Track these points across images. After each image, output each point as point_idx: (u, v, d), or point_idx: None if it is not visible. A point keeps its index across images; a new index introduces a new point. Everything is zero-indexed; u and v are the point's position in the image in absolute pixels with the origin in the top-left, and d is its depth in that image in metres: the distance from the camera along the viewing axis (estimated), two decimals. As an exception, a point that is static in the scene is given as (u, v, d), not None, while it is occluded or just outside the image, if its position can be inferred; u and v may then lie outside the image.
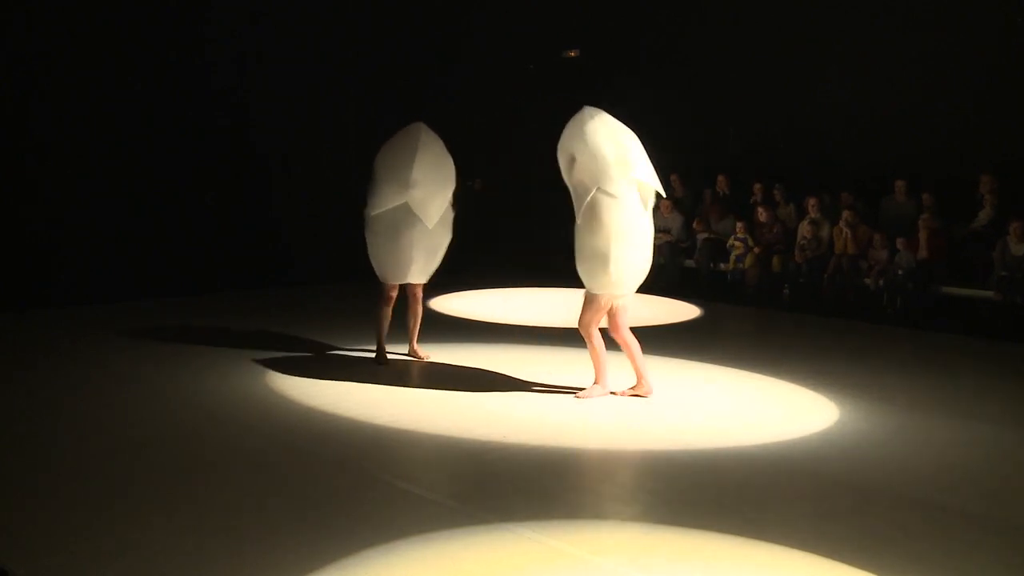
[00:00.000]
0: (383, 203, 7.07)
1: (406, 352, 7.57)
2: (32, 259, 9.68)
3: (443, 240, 7.27)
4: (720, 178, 12.37)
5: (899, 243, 10.31)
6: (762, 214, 11.56)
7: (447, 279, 12.12)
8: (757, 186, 12.02)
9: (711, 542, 4.15)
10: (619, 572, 3.84)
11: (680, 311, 9.89)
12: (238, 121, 11.02)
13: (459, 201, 7.39)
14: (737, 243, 11.44)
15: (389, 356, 7.41)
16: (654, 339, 7.57)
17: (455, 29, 13.53)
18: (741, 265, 11.36)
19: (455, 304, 10.49)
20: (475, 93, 13.75)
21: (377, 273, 7.32)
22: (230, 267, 10.90)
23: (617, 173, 6.15)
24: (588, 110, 6.39)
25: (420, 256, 7.18)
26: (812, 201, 11.12)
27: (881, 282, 10.38)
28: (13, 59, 9.60)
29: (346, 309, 10.09)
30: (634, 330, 6.48)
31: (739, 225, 11.48)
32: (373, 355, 7.42)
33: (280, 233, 11.77)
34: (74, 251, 9.91)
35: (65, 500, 4.55)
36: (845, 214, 10.78)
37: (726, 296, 11.07)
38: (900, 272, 10.20)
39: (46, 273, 9.67)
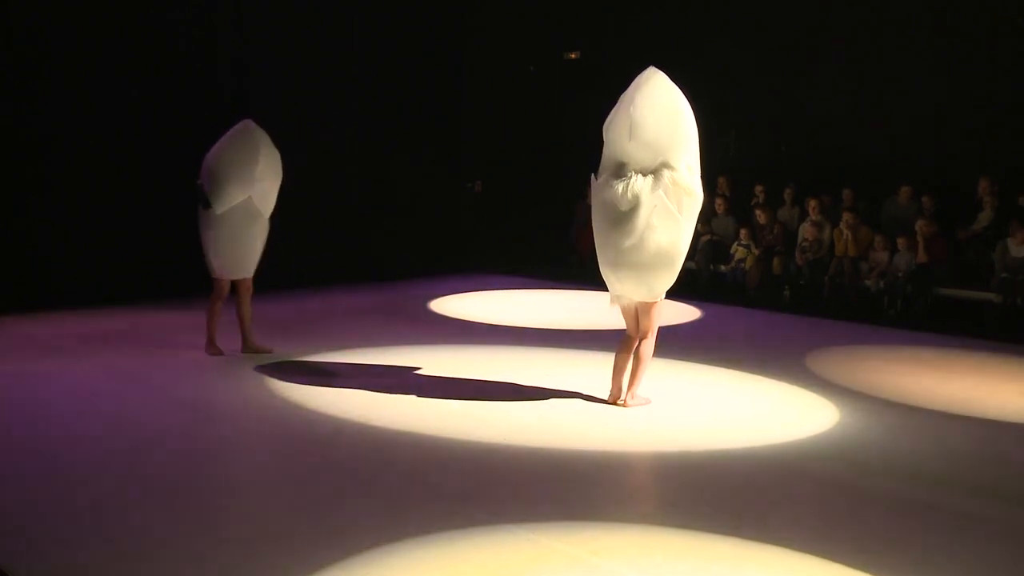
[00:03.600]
0: (230, 200, 7.33)
1: (240, 349, 7.67)
2: (33, 260, 9.67)
3: (265, 234, 7.61)
4: (720, 179, 12.36)
5: (900, 244, 10.31)
6: (761, 216, 11.55)
7: (448, 280, 12.20)
8: (759, 187, 12.01)
9: (710, 543, 4.15)
10: (618, 573, 3.84)
11: (680, 312, 9.88)
12: (216, 122, 10.97)
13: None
14: (740, 249, 11.42)
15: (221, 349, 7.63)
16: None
17: (457, 30, 13.52)
18: (743, 266, 11.36)
19: (455, 306, 10.49)
20: (476, 94, 13.74)
21: (216, 270, 7.53)
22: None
23: (607, 166, 6.09)
24: (646, 73, 6.10)
25: (250, 250, 7.52)
26: (813, 203, 11.11)
27: (882, 284, 10.38)
28: (13, 59, 9.60)
29: (346, 313, 10.10)
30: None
31: (743, 232, 11.46)
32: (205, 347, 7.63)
33: (281, 236, 11.75)
34: (76, 253, 9.90)
35: (66, 501, 4.55)
36: (846, 216, 10.77)
37: (726, 297, 11.07)
38: (900, 274, 10.20)
39: (47, 275, 9.66)
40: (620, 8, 13.41)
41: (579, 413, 6.14)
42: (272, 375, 6.98)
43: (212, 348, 7.62)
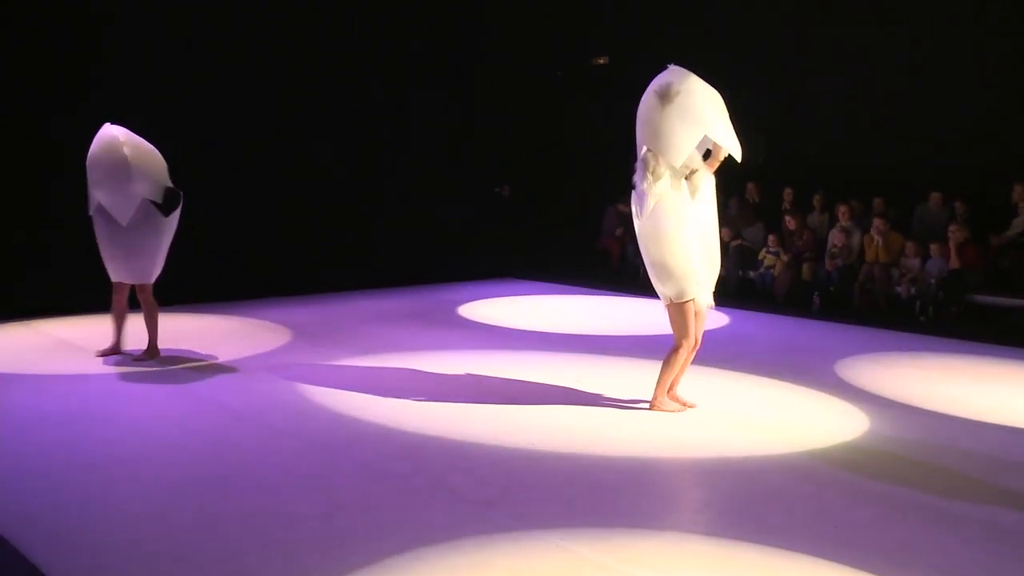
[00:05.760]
0: (90, 203, 7.38)
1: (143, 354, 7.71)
2: (43, 263, 9.74)
3: (145, 240, 7.32)
4: (750, 186, 12.30)
5: (932, 249, 10.21)
6: (790, 222, 11.48)
7: (478, 285, 12.20)
8: (787, 191, 11.94)
9: (740, 551, 4.13)
10: (647, 581, 3.83)
11: (708, 318, 9.81)
12: (243, 126, 11.02)
13: (169, 204, 7.38)
14: (769, 256, 11.36)
15: (124, 351, 7.67)
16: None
17: (486, 35, 13.55)
18: (772, 271, 11.30)
19: (485, 311, 10.50)
20: (503, 99, 13.76)
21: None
22: (258, 274, 10.97)
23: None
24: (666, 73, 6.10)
25: (119, 255, 7.35)
26: (843, 209, 11.03)
27: (913, 290, 10.28)
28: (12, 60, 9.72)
29: (375, 318, 10.14)
30: (660, 338, 6.44)
31: (771, 238, 11.39)
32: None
33: (311, 241, 11.81)
34: (90, 256, 9.98)
35: (97, 503, 4.60)
36: (876, 222, 10.68)
37: (755, 303, 11.00)
38: (932, 280, 10.09)
39: (59, 279, 9.72)
40: (649, 15, 13.38)
41: (609, 418, 6.13)
42: (301, 379, 7.02)
43: (110, 348, 7.68)
